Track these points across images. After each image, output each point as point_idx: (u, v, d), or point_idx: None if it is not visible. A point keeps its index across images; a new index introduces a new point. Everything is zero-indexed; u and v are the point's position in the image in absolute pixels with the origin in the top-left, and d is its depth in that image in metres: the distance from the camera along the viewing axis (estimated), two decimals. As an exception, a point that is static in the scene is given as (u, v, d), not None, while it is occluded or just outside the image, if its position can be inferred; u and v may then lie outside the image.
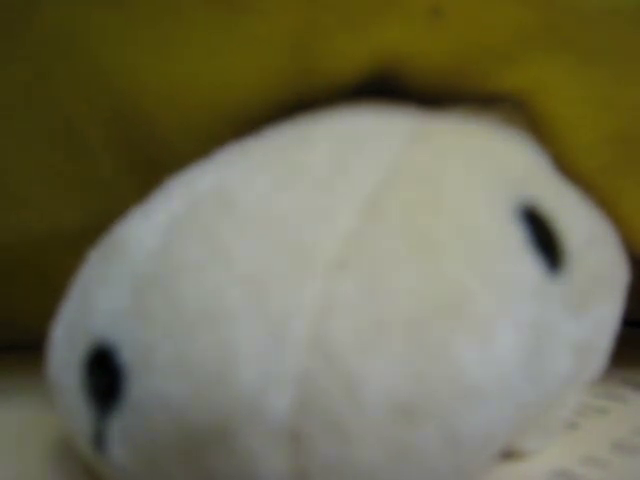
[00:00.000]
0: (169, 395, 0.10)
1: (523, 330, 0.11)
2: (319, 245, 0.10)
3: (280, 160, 0.12)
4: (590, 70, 0.13)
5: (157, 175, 0.13)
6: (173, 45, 0.13)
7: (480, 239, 0.11)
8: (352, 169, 0.11)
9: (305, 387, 0.09)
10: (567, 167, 0.14)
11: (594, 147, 0.14)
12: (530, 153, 0.13)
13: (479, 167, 0.12)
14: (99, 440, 0.11)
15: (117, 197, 0.14)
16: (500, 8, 0.13)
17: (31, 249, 0.16)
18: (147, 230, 0.11)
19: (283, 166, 0.11)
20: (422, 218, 0.11)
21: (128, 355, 0.10)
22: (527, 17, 0.13)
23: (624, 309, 0.13)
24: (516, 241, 0.11)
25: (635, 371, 0.17)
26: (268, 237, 0.10)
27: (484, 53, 0.13)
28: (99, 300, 0.11)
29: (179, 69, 0.14)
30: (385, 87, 0.14)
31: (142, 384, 0.10)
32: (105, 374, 0.10)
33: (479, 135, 0.13)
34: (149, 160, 0.15)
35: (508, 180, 0.12)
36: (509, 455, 0.13)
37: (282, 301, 0.10)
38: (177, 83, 0.14)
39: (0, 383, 0.17)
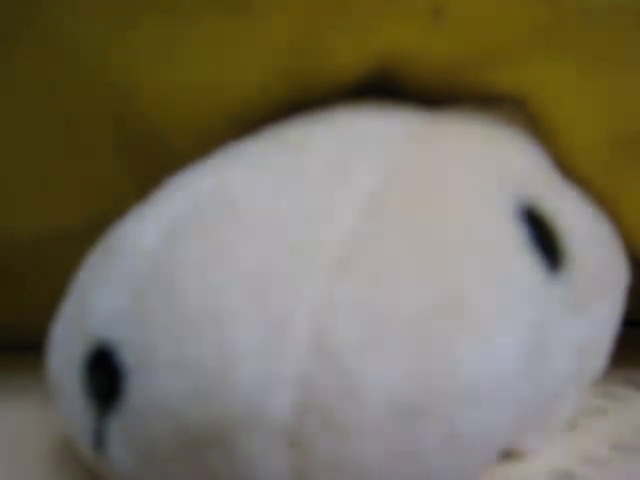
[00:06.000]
0: (168, 395, 0.10)
1: (523, 330, 0.11)
2: (319, 245, 0.10)
3: (280, 160, 0.12)
4: (591, 70, 0.13)
5: (157, 175, 0.13)
6: (173, 45, 0.13)
7: (480, 239, 0.11)
8: (352, 169, 0.11)
9: (305, 387, 0.09)
10: (567, 167, 0.14)
11: (594, 147, 0.14)
12: (530, 153, 0.13)
13: (479, 167, 0.12)
14: (99, 440, 0.11)
15: (117, 197, 0.14)
16: (500, 9, 0.13)
17: (31, 249, 0.16)
18: (147, 230, 0.11)
19: (283, 166, 0.11)
20: (422, 218, 0.11)
21: (128, 355, 0.10)
22: (527, 17, 0.13)
23: (624, 309, 0.13)
24: (516, 241, 0.11)
25: (635, 371, 0.17)
26: (268, 237, 0.10)
27: (484, 53, 0.13)
28: (99, 300, 0.11)
29: (179, 69, 0.14)
30: (385, 87, 0.14)
31: (142, 384, 0.10)
32: (105, 374, 0.10)
33: (479, 135, 0.13)
34: (149, 160, 0.15)
35: (508, 180, 0.12)
36: (509, 455, 0.13)
37: (282, 301, 0.10)
38: (177, 83, 0.14)
39: (0, 383, 0.17)
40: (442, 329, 0.10)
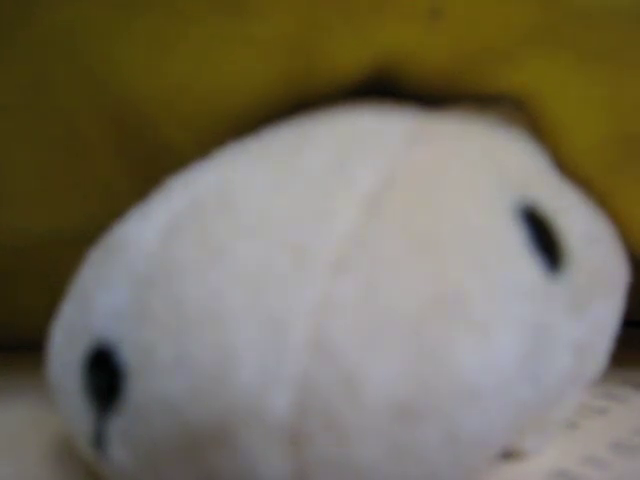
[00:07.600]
0: (168, 395, 0.10)
1: (522, 330, 0.11)
2: (319, 245, 0.10)
3: (280, 160, 0.12)
4: (590, 70, 0.13)
5: (157, 175, 0.13)
6: (173, 46, 0.13)
7: (480, 239, 0.11)
8: (352, 169, 0.11)
9: (305, 387, 0.09)
10: (567, 167, 0.14)
11: (594, 147, 0.14)
12: (530, 153, 0.13)
13: (479, 167, 0.12)
14: (99, 440, 0.11)
15: (117, 197, 0.14)
16: (500, 8, 0.13)
17: (31, 249, 0.16)
18: (147, 230, 0.11)
19: (283, 166, 0.11)
20: (422, 218, 0.11)
21: (128, 355, 0.10)
22: (527, 17, 0.13)
23: (624, 309, 0.13)
24: (516, 241, 0.11)
25: (635, 371, 0.17)
26: (268, 237, 0.10)
27: (484, 53, 0.13)
28: (99, 300, 0.11)
29: (180, 69, 0.14)
30: (385, 87, 0.14)
31: (142, 384, 0.10)
32: (105, 374, 0.10)
33: (479, 135, 0.13)
34: (149, 160, 0.15)
35: (508, 180, 0.12)
36: (509, 455, 0.13)
37: (282, 301, 0.10)
38: (177, 83, 0.14)
39: (0, 383, 0.17)
40: (442, 329, 0.10)
